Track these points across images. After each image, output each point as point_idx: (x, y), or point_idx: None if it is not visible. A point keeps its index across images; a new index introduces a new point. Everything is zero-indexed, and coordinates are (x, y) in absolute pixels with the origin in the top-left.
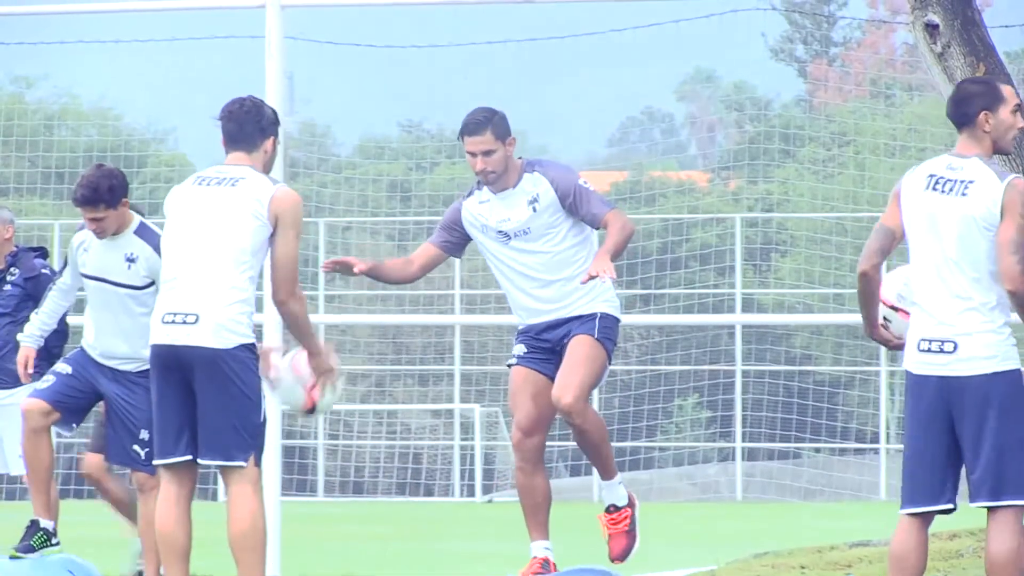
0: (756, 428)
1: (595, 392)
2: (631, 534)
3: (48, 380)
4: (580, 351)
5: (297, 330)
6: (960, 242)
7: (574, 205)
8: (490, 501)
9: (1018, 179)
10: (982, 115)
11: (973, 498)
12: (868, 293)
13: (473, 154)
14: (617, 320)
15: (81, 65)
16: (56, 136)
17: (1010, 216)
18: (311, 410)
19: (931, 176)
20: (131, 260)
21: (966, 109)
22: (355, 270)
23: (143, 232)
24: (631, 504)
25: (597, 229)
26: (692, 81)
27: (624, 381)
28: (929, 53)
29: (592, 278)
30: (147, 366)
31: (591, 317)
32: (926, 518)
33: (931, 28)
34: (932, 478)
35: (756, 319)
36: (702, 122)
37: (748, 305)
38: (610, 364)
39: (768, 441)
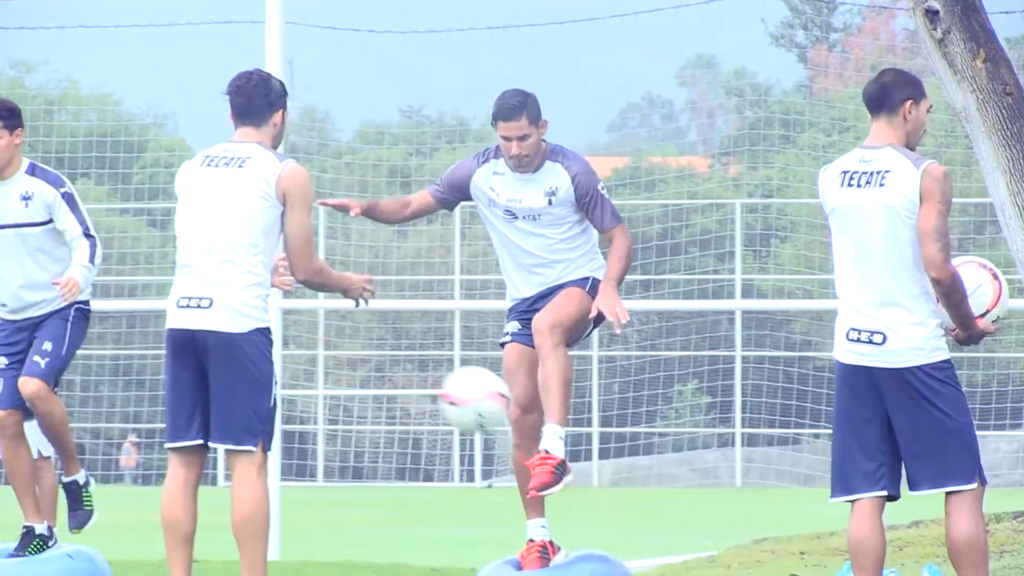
0: (756, 414)
1: (595, 377)
2: (557, 476)
3: None
4: (567, 294)
5: (326, 290)
6: (883, 234)
7: (588, 206)
8: (489, 486)
9: (933, 164)
10: (908, 103)
11: (913, 487)
12: None
13: (508, 139)
14: None
15: (81, 50)
16: (56, 121)
17: (929, 203)
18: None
19: (844, 172)
20: (27, 198)
21: (893, 94)
22: (352, 213)
23: (34, 171)
24: (564, 463)
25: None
26: (692, 67)
27: (624, 367)
28: (929, 39)
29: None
30: (66, 303)
31: (583, 279)
32: (876, 504)
33: (931, 14)
34: (866, 465)
35: (756, 305)
36: (702, 108)
37: (748, 291)
38: (594, 328)
39: (768, 427)
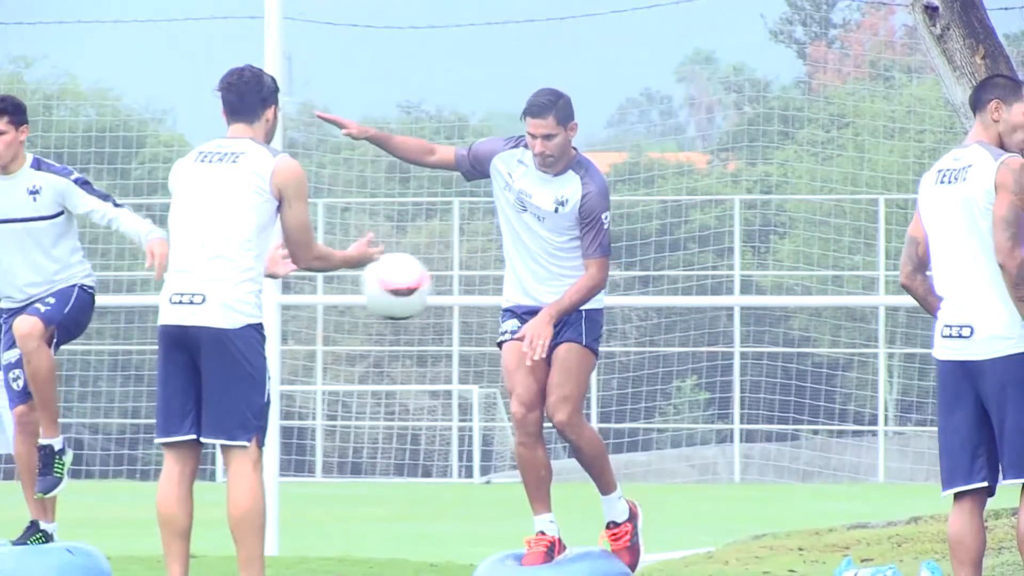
0: (754, 410)
1: (592, 374)
2: (633, 549)
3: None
4: (568, 361)
5: (331, 271)
6: (966, 227)
7: (584, 226)
8: (488, 482)
9: (1012, 157)
10: (993, 103)
11: (1004, 475)
12: (919, 299)
13: (533, 136)
14: (601, 313)
15: (80, 45)
16: (55, 116)
17: (1002, 193)
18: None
19: (940, 172)
20: (35, 192)
21: (981, 94)
22: (348, 131)
23: (40, 165)
24: (632, 517)
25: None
26: (691, 62)
27: (623, 363)
28: (928, 35)
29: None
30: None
31: (577, 319)
32: (976, 499)
33: (930, 10)
34: (963, 458)
35: (755, 301)
36: (701, 103)
37: (747, 287)
38: (597, 358)
39: (766, 423)
